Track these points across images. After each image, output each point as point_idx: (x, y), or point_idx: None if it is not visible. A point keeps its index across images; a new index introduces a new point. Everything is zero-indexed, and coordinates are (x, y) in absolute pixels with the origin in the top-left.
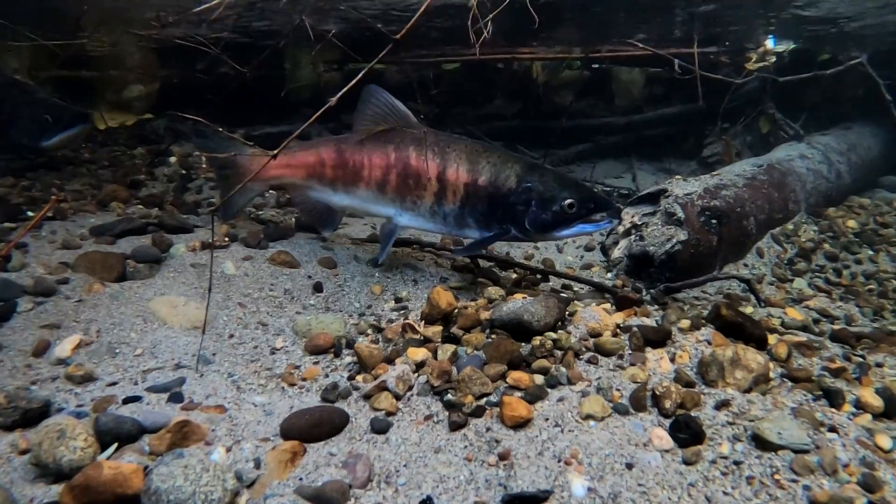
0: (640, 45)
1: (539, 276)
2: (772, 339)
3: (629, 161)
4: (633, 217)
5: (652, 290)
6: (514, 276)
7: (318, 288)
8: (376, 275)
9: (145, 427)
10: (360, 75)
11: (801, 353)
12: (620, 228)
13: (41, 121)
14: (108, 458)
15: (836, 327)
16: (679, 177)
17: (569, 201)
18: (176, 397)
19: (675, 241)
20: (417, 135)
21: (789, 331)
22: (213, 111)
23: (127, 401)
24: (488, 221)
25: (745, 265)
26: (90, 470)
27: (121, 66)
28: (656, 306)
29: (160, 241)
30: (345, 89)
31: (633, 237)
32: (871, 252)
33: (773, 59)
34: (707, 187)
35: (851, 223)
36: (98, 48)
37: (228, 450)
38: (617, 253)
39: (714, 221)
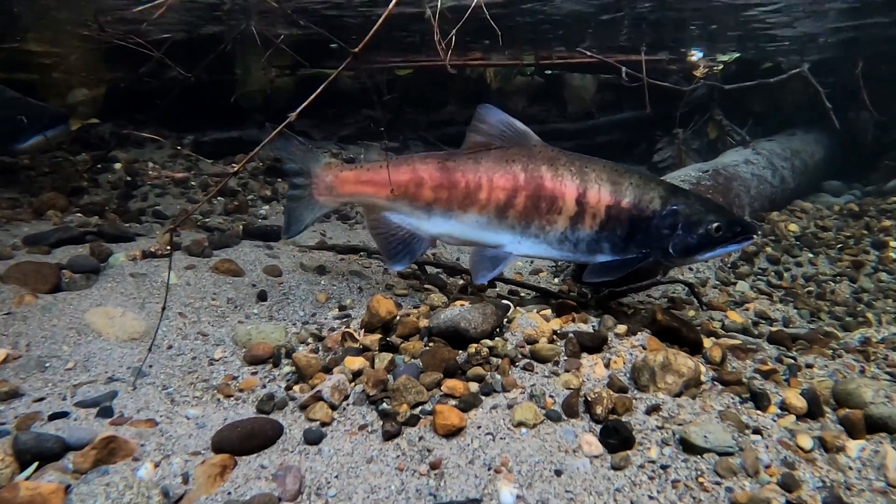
0: (588, 53)
1: (487, 283)
2: (707, 342)
3: None
4: None
5: (597, 295)
6: (461, 282)
7: (262, 296)
8: (322, 282)
9: (69, 444)
10: (319, 89)
11: (735, 356)
12: None
13: (15, 122)
14: (28, 478)
15: (773, 329)
16: None
17: (716, 224)
18: (105, 412)
19: None
20: (548, 153)
21: (729, 333)
22: (161, 115)
23: (53, 417)
24: (626, 246)
25: (691, 269)
26: (6, 491)
27: (64, 68)
28: (598, 311)
29: (99, 251)
30: (304, 104)
31: None
32: (810, 255)
33: (720, 67)
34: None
35: (793, 227)
36: (38, 49)
37: (157, 465)
38: None
39: None
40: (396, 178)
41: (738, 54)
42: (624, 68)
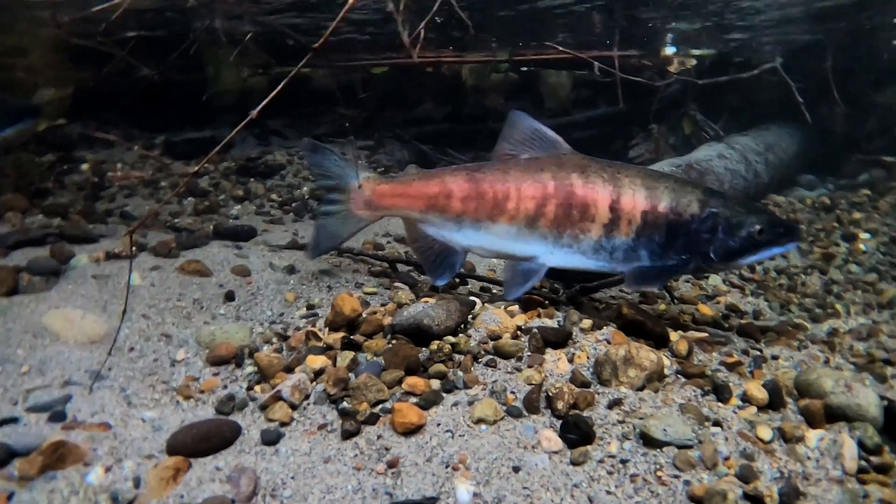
0: (561, 48)
1: (457, 280)
2: (674, 336)
3: None
4: None
5: (568, 291)
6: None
7: (229, 297)
8: (291, 282)
9: (15, 450)
10: (282, 83)
11: (702, 349)
12: None
13: None
14: None
15: (743, 322)
16: None
17: (758, 227)
18: (57, 416)
19: None
20: (579, 160)
21: (699, 326)
22: (132, 115)
23: (2, 423)
24: (665, 252)
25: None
26: None
27: (29, 68)
28: (569, 307)
29: (60, 253)
30: (266, 100)
31: None
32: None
33: (694, 62)
34: None
35: None
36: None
37: (108, 469)
38: None
39: None
40: (426, 190)
41: (710, 49)
42: (596, 63)
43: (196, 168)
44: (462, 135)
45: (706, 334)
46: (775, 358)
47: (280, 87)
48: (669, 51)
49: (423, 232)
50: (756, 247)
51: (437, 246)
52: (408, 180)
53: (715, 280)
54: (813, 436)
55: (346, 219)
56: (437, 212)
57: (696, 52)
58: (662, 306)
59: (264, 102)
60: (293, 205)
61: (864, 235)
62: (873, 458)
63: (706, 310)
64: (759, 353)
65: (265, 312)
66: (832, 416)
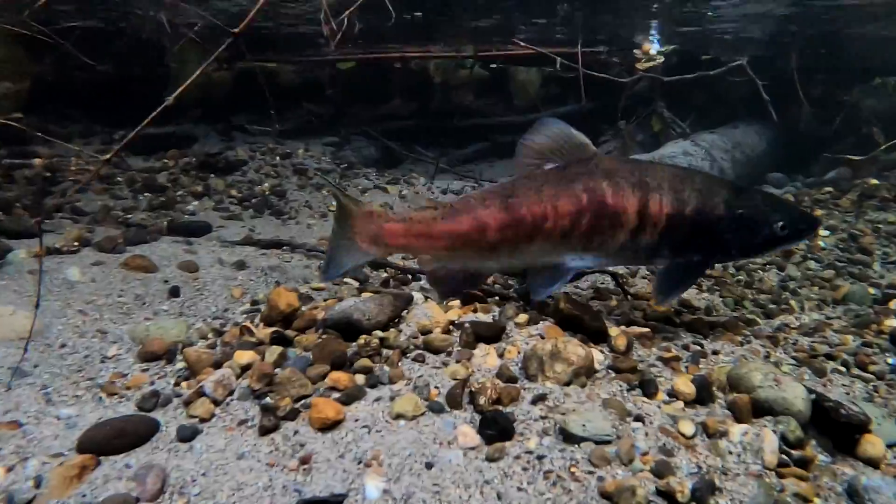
0: (523, 44)
1: (410, 276)
2: (614, 331)
3: None
4: None
5: (520, 288)
6: (385, 275)
7: (174, 292)
8: (239, 278)
9: None
10: (196, 74)
11: (642, 344)
12: None
13: None
14: None
15: (694, 317)
16: None
17: (780, 223)
18: None
19: None
20: (606, 165)
21: (650, 322)
22: (92, 110)
23: None
24: (687, 250)
25: None
26: None
27: None
28: (521, 303)
29: None
30: (181, 89)
31: None
32: None
33: (661, 59)
34: None
35: None
36: None
37: (10, 469)
38: None
39: None
40: (456, 229)
41: (674, 46)
42: (559, 59)
43: (109, 155)
44: (430, 131)
45: (648, 329)
46: (716, 353)
47: (197, 74)
48: (653, 46)
49: (448, 266)
50: (778, 241)
51: (463, 275)
52: (427, 219)
53: None
54: (737, 430)
55: (352, 251)
56: (468, 248)
57: (661, 48)
58: (614, 302)
59: (181, 89)
60: (253, 201)
61: (823, 232)
62: (795, 453)
63: (658, 305)
64: (700, 348)
65: (210, 308)
66: (760, 410)
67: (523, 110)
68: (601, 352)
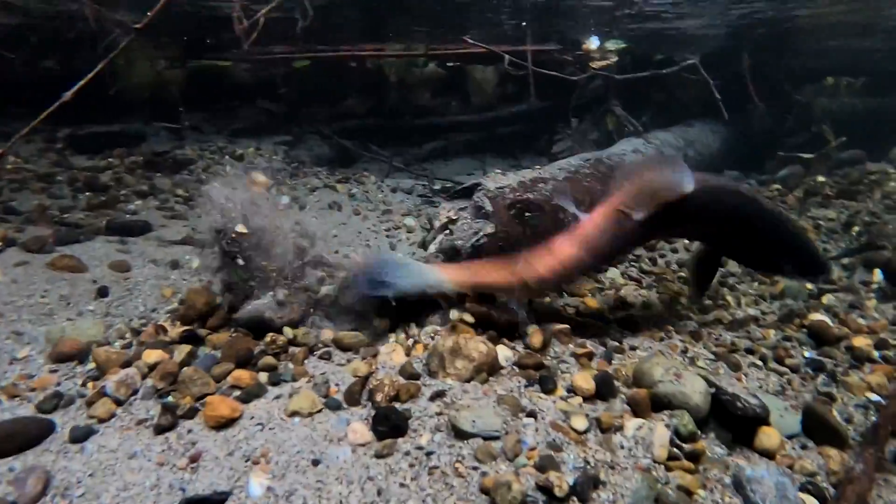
0: (472, 42)
1: None
2: (532, 328)
3: (484, 158)
4: (448, 212)
5: None
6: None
7: (102, 293)
8: (172, 277)
9: None
10: (94, 72)
11: (559, 340)
12: (437, 224)
13: None
14: None
15: (626, 313)
16: (498, 171)
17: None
18: None
19: (481, 234)
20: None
21: (583, 318)
22: (36, 107)
23: None
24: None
25: None
26: None
27: None
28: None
29: None
30: (77, 87)
31: (446, 232)
32: (686, 241)
33: (615, 58)
34: (523, 181)
35: None
36: None
37: None
38: (432, 248)
39: (526, 214)
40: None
41: (624, 44)
42: (508, 57)
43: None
44: (385, 130)
45: (566, 326)
46: (634, 349)
47: (95, 72)
48: (594, 44)
49: None
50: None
51: None
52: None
53: (613, 273)
54: (632, 425)
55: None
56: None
57: (610, 46)
58: (548, 299)
59: (78, 87)
60: (199, 200)
61: None
62: (687, 446)
63: (592, 302)
64: (618, 344)
65: (138, 308)
66: (658, 404)
67: (480, 109)
68: (513, 349)
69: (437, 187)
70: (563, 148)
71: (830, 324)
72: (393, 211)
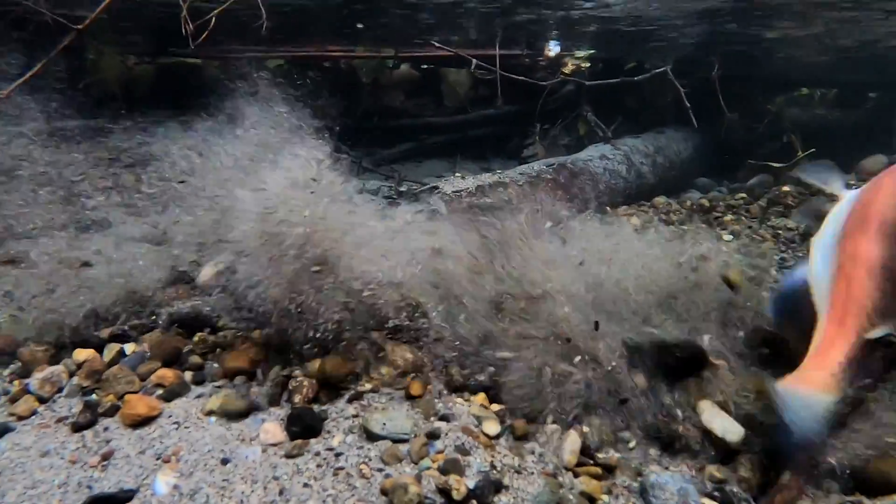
0: (438, 45)
1: None
2: None
3: (455, 160)
4: (406, 215)
5: None
6: None
7: (51, 289)
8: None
9: None
10: (37, 68)
11: None
12: (395, 226)
13: None
14: None
15: None
16: (458, 174)
17: None
18: None
19: None
20: None
21: None
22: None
23: None
24: None
25: None
26: None
27: None
28: None
29: None
30: (20, 81)
31: None
32: (644, 247)
33: (587, 64)
34: (482, 185)
35: (635, 220)
36: None
37: None
38: None
39: (485, 218)
40: None
41: (592, 50)
42: (475, 61)
43: None
44: (358, 131)
45: None
46: None
47: (38, 68)
48: (553, 49)
49: None
50: None
51: None
52: None
53: None
54: (547, 431)
55: None
56: None
57: (579, 52)
58: None
59: (21, 80)
60: (164, 197)
61: (726, 237)
62: (600, 455)
63: None
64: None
65: (85, 306)
66: None
67: (452, 111)
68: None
69: (403, 189)
70: (534, 152)
71: None
72: (357, 212)
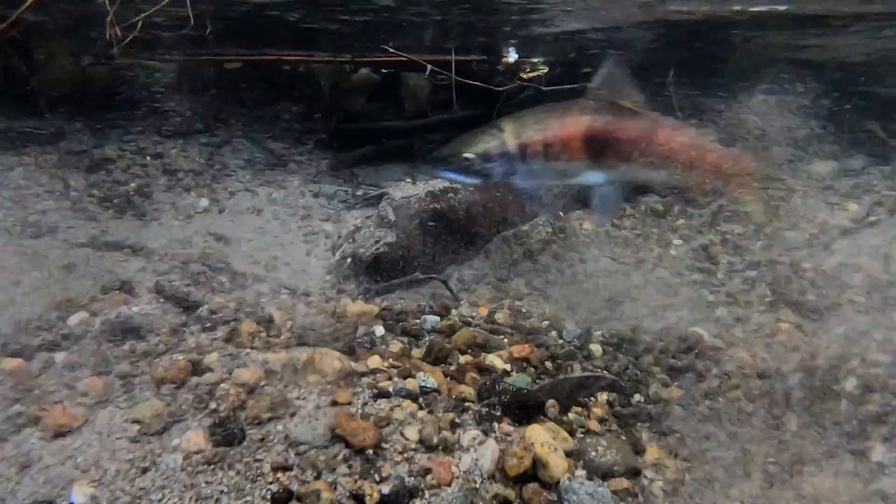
0: (392, 50)
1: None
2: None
3: (416, 164)
4: (356, 220)
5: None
6: None
7: None
8: (66, 280)
9: None
10: None
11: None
12: (345, 231)
13: None
14: None
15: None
16: (408, 180)
17: None
18: None
19: (381, 243)
20: None
21: (474, 328)
22: None
23: None
24: None
25: (471, 265)
26: None
27: None
28: None
29: None
30: None
31: (350, 240)
32: (595, 252)
33: (545, 69)
34: (432, 191)
35: (588, 225)
36: None
37: None
38: (338, 255)
39: (432, 224)
40: None
41: (544, 58)
42: (430, 66)
43: None
44: (316, 134)
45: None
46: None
47: None
48: (511, 56)
49: None
50: None
51: None
52: None
53: (517, 283)
54: (468, 436)
55: None
56: None
57: (535, 59)
58: (454, 311)
59: None
60: (115, 201)
61: (677, 241)
62: None
63: (484, 311)
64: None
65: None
66: None
67: (412, 115)
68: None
69: (359, 193)
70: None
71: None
72: (312, 216)
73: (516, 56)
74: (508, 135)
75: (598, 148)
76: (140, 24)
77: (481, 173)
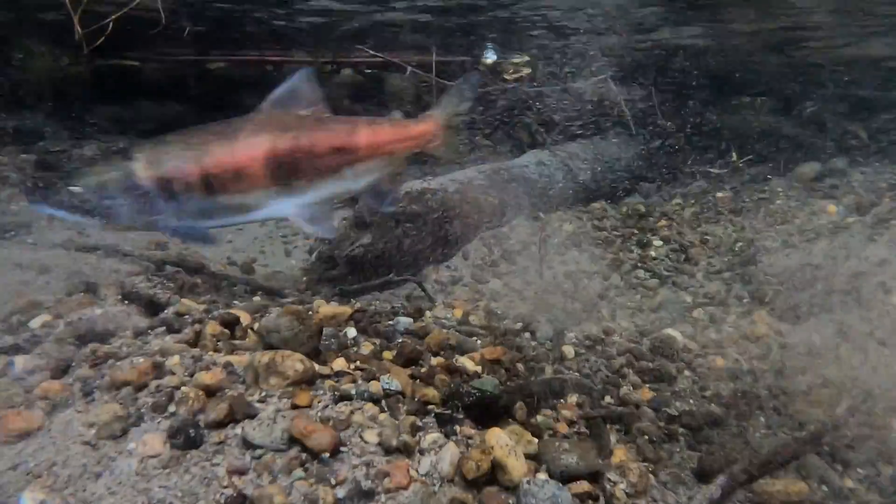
0: (371, 52)
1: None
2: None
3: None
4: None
5: (336, 294)
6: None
7: None
8: (38, 282)
9: None
10: None
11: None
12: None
13: None
14: None
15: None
16: None
17: None
18: None
19: (357, 244)
20: None
21: (447, 330)
22: None
23: None
24: None
25: (448, 267)
26: None
27: None
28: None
29: None
30: None
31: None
32: (575, 253)
33: (528, 71)
34: (409, 192)
35: (569, 227)
36: None
37: None
38: (314, 257)
39: (409, 225)
40: None
41: (527, 58)
42: (410, 67)
43: None
44: None
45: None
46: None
47: None
48: (490, 58)
49: None
50: None
51: None
52: None
53: (495, 284)
54: (429, 439)
55: None
56: None
57: (515, 59)
58: (428, 312)
59: None
60: None
61: (657, 243)
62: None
63: (459, 313)
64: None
65: None
66: None
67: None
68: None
69: None
70: (475, 157)
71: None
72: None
73: (495, 57)
74: (140, 164)
75: (288, 169)
76: (111, 25)
77: (98, 212)
